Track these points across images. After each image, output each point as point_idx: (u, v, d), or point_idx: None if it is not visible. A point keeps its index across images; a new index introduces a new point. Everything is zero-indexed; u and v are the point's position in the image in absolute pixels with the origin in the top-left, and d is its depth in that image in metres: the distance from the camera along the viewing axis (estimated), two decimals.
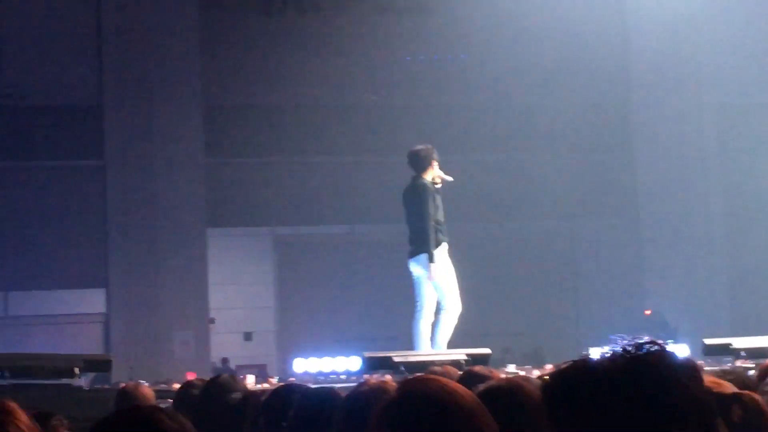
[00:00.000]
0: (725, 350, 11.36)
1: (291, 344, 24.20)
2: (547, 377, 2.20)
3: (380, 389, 3.70)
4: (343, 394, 4.15)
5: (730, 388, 3.89)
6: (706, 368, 8.72)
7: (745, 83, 25.65)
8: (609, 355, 2.06)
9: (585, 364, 2.08)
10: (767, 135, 25.56)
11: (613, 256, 25.61)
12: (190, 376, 16.87)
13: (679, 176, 25.50)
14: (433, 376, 3.05)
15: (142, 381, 14.12)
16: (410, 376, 3.06)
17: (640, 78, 25.74)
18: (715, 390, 3.74)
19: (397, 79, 24.99)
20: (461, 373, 6.70)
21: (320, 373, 15.78)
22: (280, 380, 16.69)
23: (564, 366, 2.12)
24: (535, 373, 13.39)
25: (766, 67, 25.72)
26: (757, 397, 3.80)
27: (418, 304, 12.01)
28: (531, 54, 24.75)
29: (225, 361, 23.11)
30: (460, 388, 2.88)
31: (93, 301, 23.67)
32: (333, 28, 24.57)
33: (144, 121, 23.76)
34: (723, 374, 4.96)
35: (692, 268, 25.35)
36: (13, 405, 3.12)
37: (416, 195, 11.88)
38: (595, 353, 2.10)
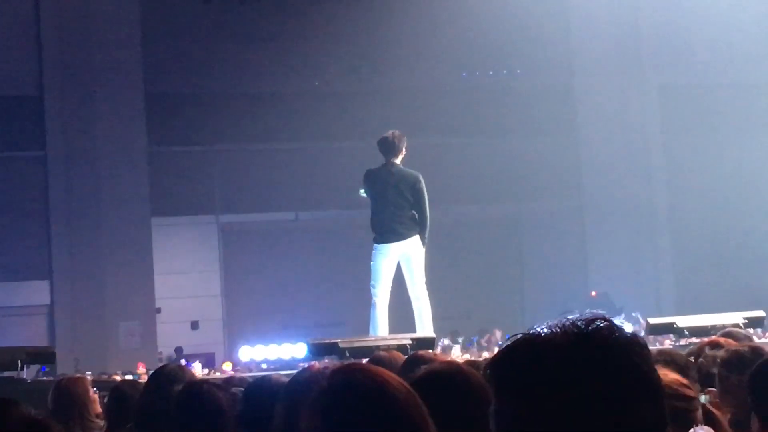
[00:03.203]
0: (669, 329, 11.45)
1: (238, 332, 24.16)
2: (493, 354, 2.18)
3: (320, 376, 3.67)
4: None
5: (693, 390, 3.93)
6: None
7: (687, 64, 25.82)
8: (559, 329, 2.05)
9: (534, 338, 2.06)
10: (710, 116, 25.78)
11: (557, 238, 25.73)
12: (141, 367, 16.82)
13: (623, 159, 25.63)
14: (363, 365, 3.02)
15: (87, 372, 14.03)
16: (340, 365, 3.03)
17: (583, 61, 25.83)
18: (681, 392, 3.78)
19: (338, 65, 24.94)
20: (406, 357, 6.69)
21: (266, 361, 15.78)
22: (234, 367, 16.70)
23: (512, 340, 2.10)
24: (485, 355, 13.47)
25: (708, 47, 25.92)
26: (718, 412, 3.85)
27: (377, 290, 12.19)
28: (473, 38, 24.77)
29: (179, 350, 22.99)
30: (391, 377, 2.85)
31: (37, 292, 23.47)
32: (272, 15, 24.46)
33: (85, 110, 23.57)
34: (658, 354, 5.00)
35: (636, 249, 25.52)
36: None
37: (415, 181, 12.21)
38: (542, 328, 2.07)
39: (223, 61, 24.47)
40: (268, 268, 24.96)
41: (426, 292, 12.28)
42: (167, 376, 5.81)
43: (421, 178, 12.36)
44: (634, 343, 2.03)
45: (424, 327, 12.00)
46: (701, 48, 25.85)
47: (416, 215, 12.23)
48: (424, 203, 12.27)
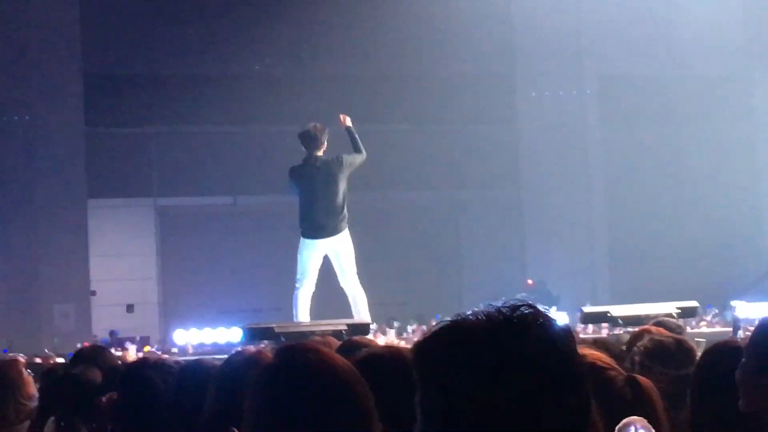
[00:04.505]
0: (603, 318, 11.55)
1: (174, 316, 24.04)
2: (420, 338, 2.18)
3: (255, 358, 3.68)
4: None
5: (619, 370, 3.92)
6: (582, 336, 8.85)
7: (628, 55, 25.96)
8: (484, 315, 2.04)
9: (458, 324, 2.06)
10: (648, 106, 25.98)
11: (495, 226, 25.82)
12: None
13: (561, 148, 25.76)
14: (311, 344, 3.04)
15: (21, 355, 13.91)
16: (287, 344, 3.04)
17: (523, 49, 25.92)
18: (608, 371, 3.78)
19: (279, 49, 24.86)
20: (341, 342, 6.70)
21: (201, 345, 15.71)
22: (159, 350, 16.61)
23: (437, 326, 2.10)
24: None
25: (649, 38, 26.08)
26: (648, 383, 3.84)
27: (302, 283, 12.24)
28: (413, 24, 24.78)
29: (112, 333, 22.80)
30: (338, 358, 2.88)
31: None
32: None
33: (22, 90, 23.30)
34: (593, 342, 5.02)
35: (573, 238, 25.67)
36: None
37: (338, 161, 12.13)
38: (467, 314, 2.07)
39: (162, 43, 24.30)
40: (205, 252, 24.85)
41: (357, 281, 12.31)
42: (83, 359, 5.81)
43: (341, 154, 12.48)
44: (559, 330, 2.04)
45: (360, 314, 12.05)
46: (642, 39, 26.00)
47: (346, 207, 12.35)
48: (358, 152, 12.38)
